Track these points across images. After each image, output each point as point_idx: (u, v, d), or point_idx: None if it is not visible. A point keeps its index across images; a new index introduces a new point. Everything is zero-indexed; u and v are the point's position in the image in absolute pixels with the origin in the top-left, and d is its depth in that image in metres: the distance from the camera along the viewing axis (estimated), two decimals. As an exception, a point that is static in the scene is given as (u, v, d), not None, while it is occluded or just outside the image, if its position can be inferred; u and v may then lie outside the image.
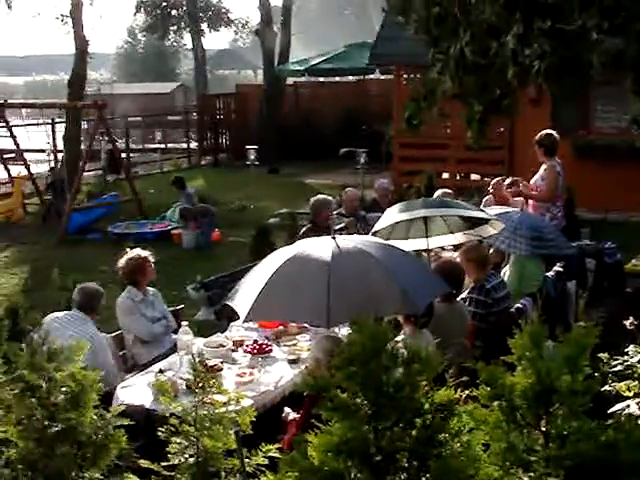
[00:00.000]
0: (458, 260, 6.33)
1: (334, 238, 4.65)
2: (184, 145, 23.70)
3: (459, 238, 6.66)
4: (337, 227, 7.39)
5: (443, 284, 5.00)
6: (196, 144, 22.86)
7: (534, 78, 3.33)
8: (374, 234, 6.12)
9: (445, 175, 15.12)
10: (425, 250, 6.58)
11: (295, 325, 5.84)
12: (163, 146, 23.10)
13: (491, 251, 6.64)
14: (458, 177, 15.44)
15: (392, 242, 5.93)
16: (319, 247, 4.59)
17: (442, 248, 7.29)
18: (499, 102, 3.50)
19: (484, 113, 3.44)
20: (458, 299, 5.83)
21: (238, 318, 6.00)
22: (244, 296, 4.50)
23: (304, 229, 8.10)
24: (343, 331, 5.12)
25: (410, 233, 6.62)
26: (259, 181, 15.54)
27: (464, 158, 14.65)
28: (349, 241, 4.71)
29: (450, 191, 8.71)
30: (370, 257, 4.47)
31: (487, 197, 8.83)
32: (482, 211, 6.49)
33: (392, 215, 6.34)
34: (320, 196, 8.47)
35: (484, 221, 6.38)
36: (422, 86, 3.57)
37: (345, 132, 20.10)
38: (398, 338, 4.47)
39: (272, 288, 4.39)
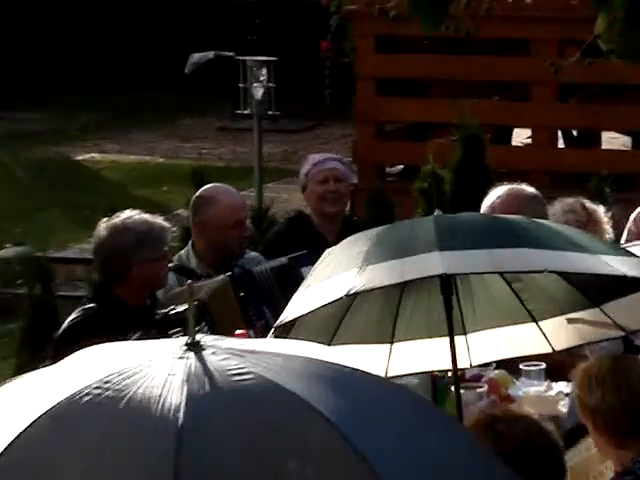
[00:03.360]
0: (551, 413, 5.70)
1: (194, 348, 3.27)
2: None
3: (563, 339, 5.45)
4: (175, 311, 5.92)
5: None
6: None
7: None
8: (277, 332, 4.99)
9: (525, 136, 11.99)
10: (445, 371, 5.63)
11: None
12: None
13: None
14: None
15: (342, 349, 5.09)
16: (151, 376, 3.15)
17: (487, 365, 6.23)
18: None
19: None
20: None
21: None
22: None
23: (76, 315, 6.17)
24: None
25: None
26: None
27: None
28: (234, 357, 3.28)
29: (534, 192, 6.85)
30: (309, 412, 3.07)
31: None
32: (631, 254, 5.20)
33: (337, 268, 5.03)
34: (120, 219, 6.23)
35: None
36: None
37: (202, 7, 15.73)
38: None
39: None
